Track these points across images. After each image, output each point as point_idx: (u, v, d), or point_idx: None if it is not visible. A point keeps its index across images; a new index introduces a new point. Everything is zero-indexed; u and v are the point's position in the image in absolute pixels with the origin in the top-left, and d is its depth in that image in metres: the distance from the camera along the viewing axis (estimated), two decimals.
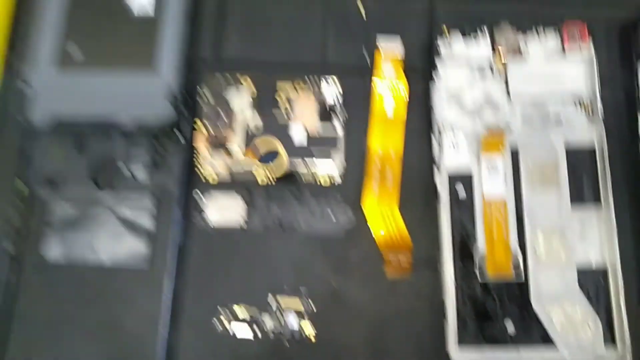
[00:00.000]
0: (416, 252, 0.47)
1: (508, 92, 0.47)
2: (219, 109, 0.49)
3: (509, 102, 0.47)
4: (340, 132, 0.49)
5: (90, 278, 0.47)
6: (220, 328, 0.46)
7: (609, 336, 0.44)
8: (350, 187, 0.48)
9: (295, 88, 0.49)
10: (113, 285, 0.47)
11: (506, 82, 0.48)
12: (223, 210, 0.48)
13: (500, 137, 0.46)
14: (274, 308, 0.46)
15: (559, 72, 0.48)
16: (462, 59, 0.48)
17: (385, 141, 0.49)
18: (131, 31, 0.48)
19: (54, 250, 0.47)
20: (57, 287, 0.47)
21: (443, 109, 0.47)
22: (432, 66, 0.48)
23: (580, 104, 0.47)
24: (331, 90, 0.49)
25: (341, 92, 0.49)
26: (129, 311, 0.46)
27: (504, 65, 0.48)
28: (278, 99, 0.49)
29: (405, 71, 0.49)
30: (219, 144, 0.48)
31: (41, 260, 0.47)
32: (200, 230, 0.48)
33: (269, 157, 0.48)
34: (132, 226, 0.47)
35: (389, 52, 0.49)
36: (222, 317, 0.46)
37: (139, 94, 0.46)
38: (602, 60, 0.48)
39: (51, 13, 0.49)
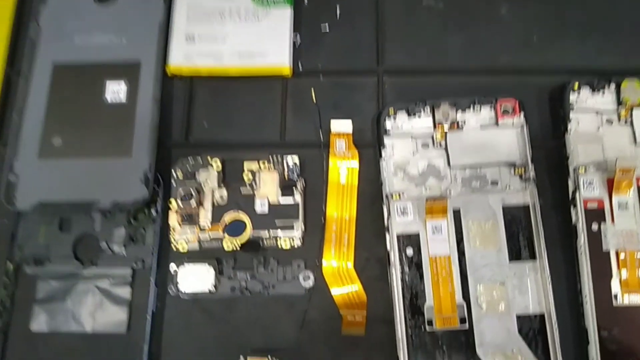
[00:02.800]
0: (372, 309, 0.54)
1: (448, 161, 0.56)
2: (190, 188, 0.57)
3: (450, 170, 0.56)
4: (299, 200, 0.57)
5: (73, 344, 0.54)
6: None
7: None
8: (310, 250, 0.56)
9: (259, 165, 0.58)
10: (94, 349, 0.53)
11: (447, 152, 0.56)
12: (194, 278, 0.55)
13: (442, 202, 0.54)
14: None
15: (493, 141, 0.56)
16: (406, 134, 0.57)
17: (341, 206, 0.57)
18: (107, 119, 0.57)
19: (38, 321, 0.54)
20: (41, 355, 0.53)
21: (391, 179, 0.56)
22: (380, 142, 0.57)
23: (514, 168, 0.55)
24: (291, 165, 0.58)
25: (299, 166, 0.57)
26: None
27: (444, 137, 0.57)
28: (244, 175, 0.58)
29: (357, 145, 0.58)
30: (189, 219, 0.56)
31: (26, 331, 0.54)
32: (174, 298, 0.55)
33: (234, 226, 0.56)
34: (111, 296, 0.55)
35: (341, 130, 0.58)
36: None
37: (117, 178, 0.55)
38: (533, 125, 0.57)
39: (33, 107, 0.58)
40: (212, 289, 0.55)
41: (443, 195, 0.54)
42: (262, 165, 0.58)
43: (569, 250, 0.54)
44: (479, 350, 0.51)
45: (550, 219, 0.55)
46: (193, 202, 0.56)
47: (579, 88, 0.57)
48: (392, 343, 0.52)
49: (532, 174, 0.55)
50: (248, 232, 0.56)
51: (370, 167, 0.58)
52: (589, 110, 0.56)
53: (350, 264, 0.55)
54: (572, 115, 0.56)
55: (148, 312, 0.53)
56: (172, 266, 0.55)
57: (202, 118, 0.60)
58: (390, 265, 0.53)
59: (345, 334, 0.53)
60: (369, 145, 0.58)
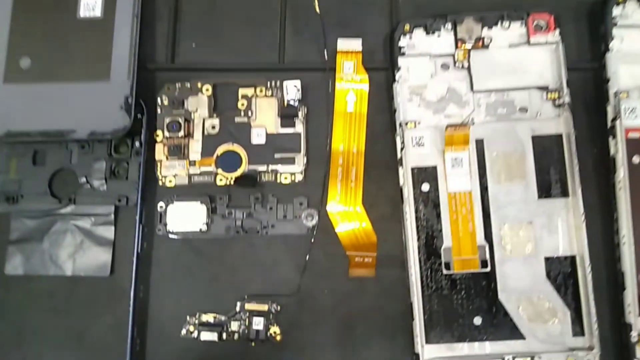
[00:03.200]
0: (382, 250, 0.49)
1: (472, 85, 0.49)
2: (177, 117, 0.51)
3: (473, 94, 0.49)
4: (301, 130, 0.51)
5: (51, 289, 0.49)
6: (186, 333, 0.48)
7: (578, 326, 0.46)
8: (313, 185, 0.50)
9: (255, 92, 0.51)
10: (76, 294, 0.49)
11: (469, 74, 0.49)
12: (184, 217, 0.50)
13: (464, 131, 0.48)
14: (239, 311, 0.48)
15: (523, 61, 0.49)
16: (424, 54, 0.50)
17: (348, 137, 0.51)
18: (81, 37, 0.50)
19: (13, 264, 0.49)
20: (19, 300, 0.49)
21: (405, 105, 0.49)
22: (394, 63, 0.50)
23: (546, 93, 0.49)
24: (291, 90, 0.51)
25: (300, 91, 0.51)
26: (94, 319, 0.49)
27: (467, 57, 0.50)
28: (238, 102, 0.51)
29: (367, 68, 0.51)
30: (177, 151, 0.50)
31: (0, 275, 0.49)
32: (161, 238, 0.50)
33: (227, 159, 0.50)
34: (92, 236, 0.49)
35: (349, 50, 0.51)
36: (188, 323, 0.48)
37: (94, 104, 0.48)
38: (569, 43, 0.50)
39: None
40: (204, 228, 0.49)
41: (465, 123, 0.48)
42: (258, 91, 0.51)
43: (605, 186, 0.49)
44: (501, 296, 0.46)
45: (585, 151, 0.49)
46: (181, 133, 0.50)
47: (624, 0, 0.50)
48: (405, 288, 0.48)
49: (567, 99, 0.48)
50: (243, 166, 0.50)
51: (381, 93, 0.51)
52: (635, 26, 0.49)
53: (359, 202, 0.49)
54: (614, 31, 0.49)
55: (134, 254, 0.48)
56: (160, 204, 0.50)
57: (190, 38, 0.53)
58: (404, 202, 0.48)
59: (352, 277, 0.48)
60: (381, 68, 0.52)
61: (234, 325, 0.48)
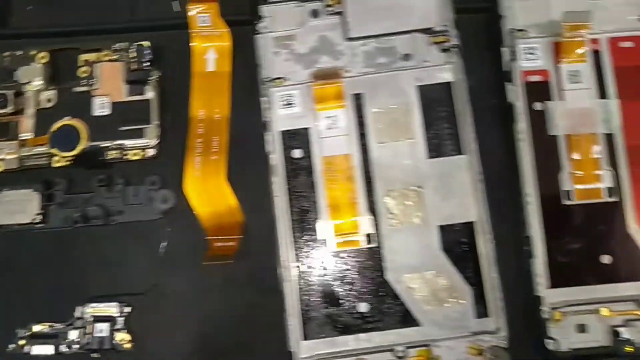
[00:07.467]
0: (253, 231, 0.43)
1: (347, 32, 0.43)
2: (5, 91, 0.44)
3: (348, 43, 0.43)
4: (152, 97, 0.44)
5: None
6: (15, 349, 0.41)
7: (482, 306, 0.40)
8: (169, 161, 0.44)
9: (99, 57, 0.45)
10: None
11: (344, 20, 0.44)
12: (13, 207, 0.43)
13: (336, 84, 0.42)
14: (80, 317, 0.41)
15: (405, 2, 0.44)
16: (291, 1, 0.44)
17: (209, 102, 0.44)
18: None
19: None
20: None
21: (271, 60, 0.43)
22: (256, 12, 0.44)
23: (432, 35, 0.43)
24: (140, 51, 0.45)
25: (151, 52, 0.45)
26: None
27: (341, 2, 0.44)
28: (79, 70, 0.45)
29: (229, 21, 0.45)
30: (4, 130, 0.44)
31: None
32: None
33: (63, 135, 0.43)
34: None
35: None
36: (17, 337, 0.41)
37: None
38: None
39: None
40: (38, 220, 0.42)
41: (335, 69, 0.42)
42: (103, 56, 0.45)
43: (505, 140, 0.43)
44: (389, 276, 0.40)
45: (482, 102, 0.43)
46: (9, 108, 0.43)
47: None
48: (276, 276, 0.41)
49: (455, 41, 0.43)
50: (83, 143, 0.43)
51: (249, 50, 0.45)
52: None
53: (222, 177, 0.43)
54: None
55: None
56: None
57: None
58: (272, 172, 0.42)
59: (208, 263, 0.41)
60: (246, 21, 0.45)
61: (73, 334, 0.41)
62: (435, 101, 0.42)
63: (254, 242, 0.43)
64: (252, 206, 0.43)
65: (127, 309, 0.41)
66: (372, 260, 0.40)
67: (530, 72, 0.42)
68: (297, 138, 0.42)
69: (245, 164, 0.44)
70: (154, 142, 0.44)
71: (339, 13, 0.44)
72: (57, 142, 0.43)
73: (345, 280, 0.40)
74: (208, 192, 0.43)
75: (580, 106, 0.42)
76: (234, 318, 0.42)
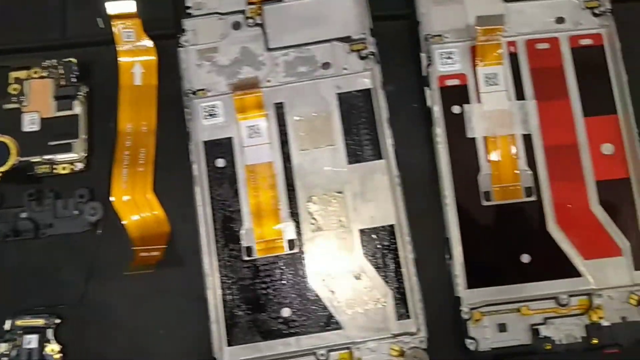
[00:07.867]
0: (180, 241, 0.43)
1: (267, 43, 0.44)
2: None
3: (269, 54, 0.44)
4: (80, 111, 0.45)
5: None
6: None
7: (403, 308, 0.40)
8: (98, 174, 0.45)
9: (29, 75, 0.46)
10: None
11: (264, 32, 0.45)
12: None
13: (256, 94, 0.43)
14: (10, 329, 0.42)
15: (322, 11, 0.45)
16: (212, 12, 0.45)
17: (136, 115, 0.45)
18: None
19: None
20: None
21: (194, 72, 0.44)
22: (179, 26, 0.45)
23: (350, 44, 0.44)
24: (70, 69, 0.46)
25: (78, 67, 0.46)
26: None
27: (261, 13, 0.45)
28: (9, 88, 0.46)
29: (154, 35, 0.46)
30: None
31: None
32: None
33: None
34: None
35: (123, 13, 0.45)
36: None
37: None
38: None
39: None
40: None
41: (252, 80, 0.43)
42: (32, 73, 0.46)
43: (426, 143, 0.44)
44: (311, 280, 0.41)
45: (402, 108, 0.45)
46: None
47: None
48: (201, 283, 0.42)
49: (373, 49, 0.44)
50: (13, 158, 0.44)
51: (175, 63, 0.46)
52: None
53: (149, 188, 0.44)
54: None
55: None
56: None
57: None
58: (195, 182, 0.42)
59: (129, 273, 0.42)
60: (170, 35, 0.46)
61: (3, 347, 0.42)
62: (354, 108, 0.43)
63: (182, 252, 0.43)
64: (179, 216, 0.44)
65: (57, 320, 0.42)
66: (294, 266, 0.41)
67: (447, 76, 0.43)
68: (220, 148, 0.43)
69: (172, 175, 0.44)
70: (82, 155, 0.45)
71: (259, 25, 0.45)
72: None
73: (268, 286, 0.41)
74: (135, 203, 0.43)
75: (498, 108, 0.43)
76: (163, 327, 0.43)
